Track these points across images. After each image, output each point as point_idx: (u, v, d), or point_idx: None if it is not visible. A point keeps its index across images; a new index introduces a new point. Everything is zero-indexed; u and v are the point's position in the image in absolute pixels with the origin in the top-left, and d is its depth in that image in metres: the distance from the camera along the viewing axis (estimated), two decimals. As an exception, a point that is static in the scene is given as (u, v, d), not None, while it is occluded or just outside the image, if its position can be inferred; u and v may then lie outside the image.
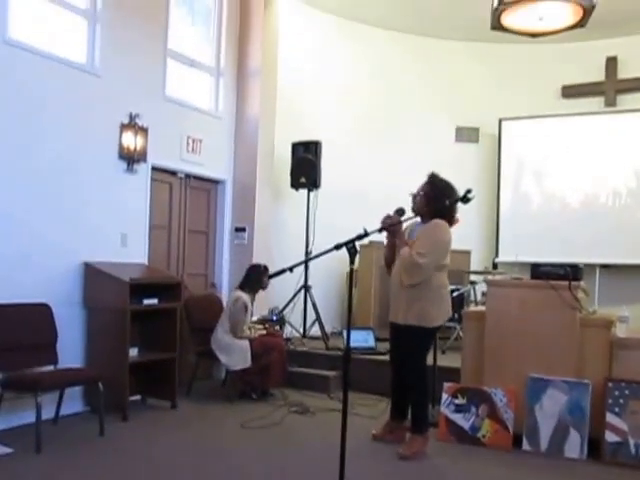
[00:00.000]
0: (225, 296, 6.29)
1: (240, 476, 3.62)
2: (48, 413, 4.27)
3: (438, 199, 4.10)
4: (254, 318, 6.14)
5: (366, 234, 3.29)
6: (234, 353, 5.30)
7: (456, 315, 6.08)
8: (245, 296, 5.46)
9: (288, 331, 6.42)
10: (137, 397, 5.09)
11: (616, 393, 4.07)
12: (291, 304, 6.48)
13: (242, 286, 5.55)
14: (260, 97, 6.41)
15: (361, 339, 6.12)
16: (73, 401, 4.69)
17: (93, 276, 4.78)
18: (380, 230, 3.92)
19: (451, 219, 4.16)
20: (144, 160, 5.30)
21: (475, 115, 8.14)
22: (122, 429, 4.41)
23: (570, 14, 4.76)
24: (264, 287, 5.68)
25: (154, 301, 4.88)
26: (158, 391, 5.09)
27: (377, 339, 6.20)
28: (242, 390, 5.40)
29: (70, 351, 4.61)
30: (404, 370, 4.21)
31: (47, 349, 4.36)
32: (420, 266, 3.95)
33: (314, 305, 6.47)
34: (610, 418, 4.05)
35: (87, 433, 4.25)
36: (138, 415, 4.74)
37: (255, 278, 5.56)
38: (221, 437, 4.35)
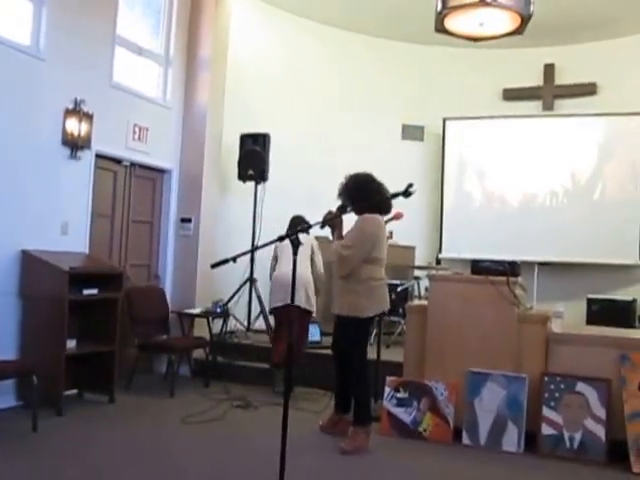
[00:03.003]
0: (168, 287, 6.20)
1: (181, 473, 3.54)
2: (-23, 408, 4.11)
3: (356, 193, 4.21)
4: (197, 310, 6.08)
5: (309, 226, 3.36)
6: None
7: (400, 310, 6.19)
8: None
9: (232, 324, 6.36)
10: (73, 391, 4.94)
11: (552, 387, 4.21)
12: (236, 297, 6.41)
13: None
14: (209, 88, 6.33)
15: (306, 333, 6.10)
16: (4, 395, 4.50)
17: (31, 264, 4.61)
18: (322, 225, 4.00)
19: (382, 209, 4.26)
20: (88, 147, 5.16)
21: (420, 114, 8.26)
22: (56, 424, 4.27)
23: (509, 21, 4.99)
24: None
25: (94, 291, 4.76)
26: (96, 385, 4.95)
27: (322, 333, 6.20)
28: None
29: (3, 342, 4.43)
30: (345, 362, 4.26)
31: (-22, 340, 4.19)
32: (344, 258, 4.10)
33: (259, 298, 6.43)
34: (546, 412, 4.17)
35: (19, 429, 4.08)
36: (74, 410, 4.59)
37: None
38: (161, 433, 4.26)
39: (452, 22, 5.04)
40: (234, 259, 3.24)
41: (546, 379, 4.24)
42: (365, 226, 4.16)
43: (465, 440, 4.27)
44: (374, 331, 5.20)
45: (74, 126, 5.00)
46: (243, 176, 6.62)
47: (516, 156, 7.91)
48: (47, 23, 4.82)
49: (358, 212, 4.24)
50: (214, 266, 3.23)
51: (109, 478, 3.41)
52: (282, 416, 2.96)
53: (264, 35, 7.47)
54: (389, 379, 4.57)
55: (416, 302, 6.01)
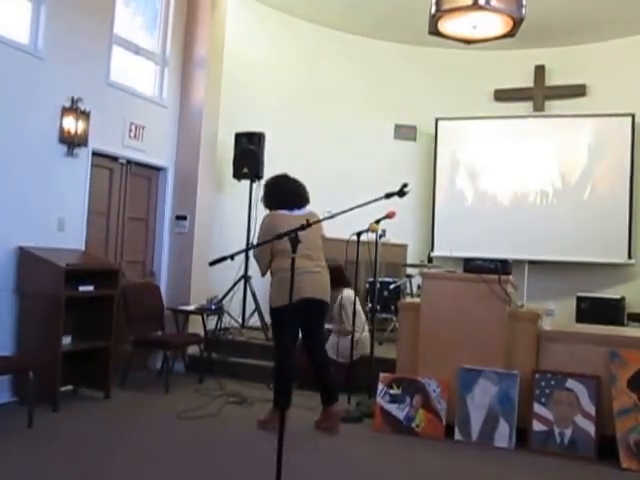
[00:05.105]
0: (163, 284, 6.23)
1: (176, 469, 3.56)
2: (-27, 403, 4.12)
3: (266, 196, 4.55)
4: (192, 307, 6.11)
5: (309, 225, 3.39)
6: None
7: (393, 307, 6.26)
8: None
9: (227, 321, 6.40)
10: (69, 387, 4.97)
11: (542, 384, 4.27)
12: (230, 294, 6.46)
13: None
14: (205, 87, 6.36)
15: (300, 330, 6.15)
16: (0, 391, 4.53)
17: (27, 261, 4.62)
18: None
19: (290, 206, 4.41)
20: (85, 145, 5.18)
21: (413, 114, 8.34)
22: (52, 420, 4.28)
23: (501, 24, 5.03)
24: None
25: (90, 288, 4.78)
26: (91, 381, 4.98)
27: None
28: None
29: (-1, 338, 4.45)
30: (311, 356, 4.51)
31: (-26, 336, 4.20)
32: (255, 258, 4.50)
33: (254, 295, 6.48)
34: (537, 408, 4.23)
35: (14, 425, 4.10)
36: (69, 406, 4.62)
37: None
38: (156, 428, 4.29)
39: (445, 25, 5.08)
40: (232, 257, 3.29)
41: (537, 376, 4.30)
42: (261, 223, 4.44)
43: (457, 436, 4.32)
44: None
45: (71, 124, 5.02)
46: (238, 174, 6.67)
47: (507, 156, 8.02)
48: (45, 22, 4.85)
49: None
50: (212, 263, 3.28)
51: (104, 474, 3.43)
52: (279, 413, 3.00)
53: (260, 35, 7.51)
54: (382, 376, 4.62)
55: (408, 300, 6.08)
